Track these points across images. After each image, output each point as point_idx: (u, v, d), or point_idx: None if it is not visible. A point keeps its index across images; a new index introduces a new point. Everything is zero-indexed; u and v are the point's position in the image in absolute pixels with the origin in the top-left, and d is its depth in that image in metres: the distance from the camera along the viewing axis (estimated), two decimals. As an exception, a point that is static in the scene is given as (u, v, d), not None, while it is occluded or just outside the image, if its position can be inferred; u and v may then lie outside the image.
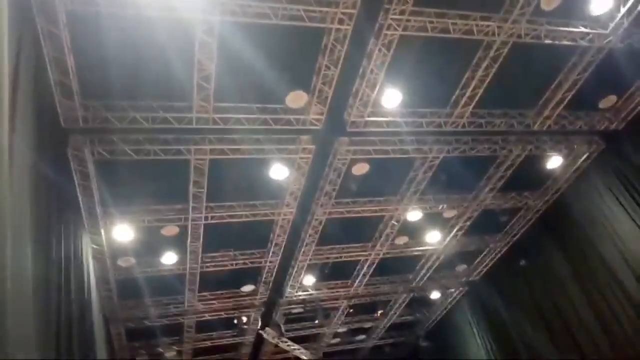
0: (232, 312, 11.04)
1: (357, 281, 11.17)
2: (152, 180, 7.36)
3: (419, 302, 12.83)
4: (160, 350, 11.76)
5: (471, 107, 7.31)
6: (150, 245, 8.53)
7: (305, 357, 12.44)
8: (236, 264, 9.64)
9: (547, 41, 6.59)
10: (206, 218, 8.14)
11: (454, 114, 7.39)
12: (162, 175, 7.29)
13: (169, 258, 8.97)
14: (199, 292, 10.04)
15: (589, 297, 9.43)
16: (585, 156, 9.00)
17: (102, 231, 7.65)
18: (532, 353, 10.83)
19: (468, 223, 10.10)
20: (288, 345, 11.68)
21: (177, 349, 11.92)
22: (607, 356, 9.01)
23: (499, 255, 11.53)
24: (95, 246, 7.83)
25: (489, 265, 11.94)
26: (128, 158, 6.54)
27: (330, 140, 7.35)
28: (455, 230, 10.23)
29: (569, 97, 7.63)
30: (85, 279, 6.86)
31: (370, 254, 10.38)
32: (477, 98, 7.20)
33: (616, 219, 8.79)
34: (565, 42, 6.65)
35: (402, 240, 10.41)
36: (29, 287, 3.66)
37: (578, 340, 9.70)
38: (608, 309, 9.02)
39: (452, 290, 12.80)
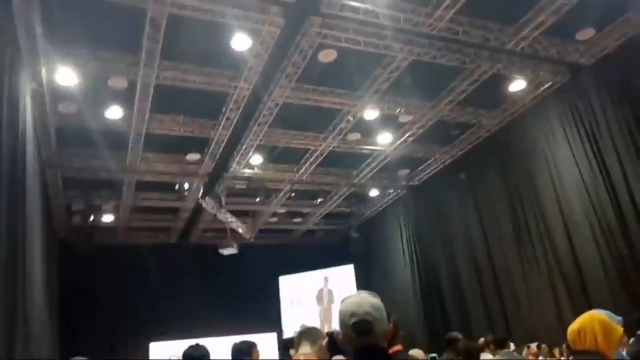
0: (175, 177, 11.03)
1: (303, 168, 11.35)
2: (105, 23, 6.71)
3: (357, 197, 13.33)
4: (97, 202, 11.76)
5: (453, 11, 6.99)
6: (94, 95, 8.06)
7: (240, 230, 12.91)
8: (184, 131, 9.42)
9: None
10: (158, 77, 7.71)
11: (433, 15, 7.05)
12: (115, 20, 6.66)
13: (115, 112, 8.59)
14: (142, 152, 9.84)
15: (515, 224, 10.02)
16: (547, 85, 9.09)
17: (43, 70, 7.10)
18: (451, 265, 11.72)
19: (421, 130, 10.25)
20: (226, 218, 12.00)
21: (114, 203, 11.97)
22: (518, 284, 9.84)
23: (442, 166, 11.95)
24: (34, 85, 7.31)
25: (430, 175, 12.41)
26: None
27: (301, 17, 6.90)
28: (407, 135, 10.37)
29: (549, 22, 7.44)
30: (20, 119, 6.46)
31: (320, 145, 10.44)
32: (460, 3, 6.87)
33: (559, 155, 9.09)
34: (563, -39, 6.32)
35: (354, 136, 10.49)
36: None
37: (494, 263, 10.48)
38: (529, 238, 9.68)
39: (391, 191, 13.35)
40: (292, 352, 3.05)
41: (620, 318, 2.63)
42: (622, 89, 8.01)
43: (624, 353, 3.36)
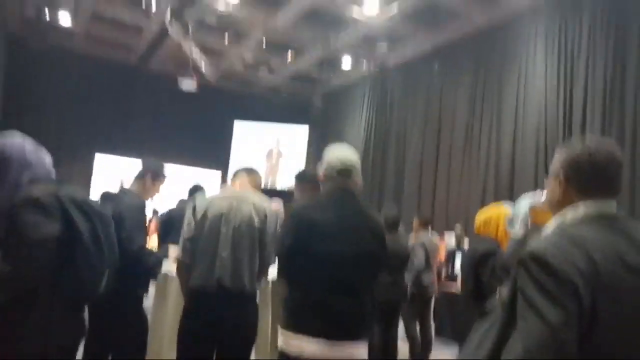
0: (143, -8, 10.24)
1: (282, 15, 10.76)
2: None
3: (330, 64, 13.05)
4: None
5: None
6: None
7: (204, 69, 12.52)
8: (161, -58, 8.54)
9: None
10: None
11: None
12: None
13: None
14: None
15: (470, 127, 10.32)
16: (547, -6, 8.75)
17: None
18: (401, 150, 12.12)
19: (410, 6, 9.80)
20: (191, 49, 11.52)
21: (74, 4, 11.10)
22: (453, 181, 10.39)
23: (421, 51, 11.68)
24: None
25: (407, 59, 12.16)
26: None
27: None
28: (395, 7, 9.87)
29: None
30: None
31: (305, -5, 9.83)
32: None
33: (533, 70, 9.04)
34: None
35: (342, -5, 9.89)
36: None
37: (439, 158, 10.94)
38: (478, 144, 10.04)
39: (364, 67, 13.10)
40: (229, 182, 3.21)
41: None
42: (614, 15, 7.84)
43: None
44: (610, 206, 1.32)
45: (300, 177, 3.27)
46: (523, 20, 9.42)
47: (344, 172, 2.37)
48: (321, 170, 2.47)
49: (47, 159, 2.13)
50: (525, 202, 2.51)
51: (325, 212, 2.28)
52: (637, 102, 7.37)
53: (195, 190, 5.10)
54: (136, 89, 13.77)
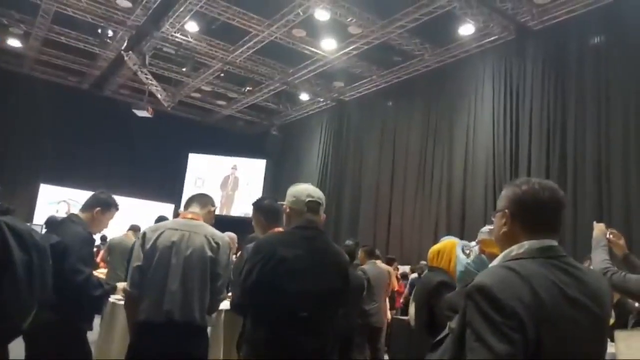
0: (100, 20, 10.12)
1: (240, 50, 10.91)
2: None
3: (287, 96, 13.21)
4: (5, 22, 10.57)
5: None
6: None
7: (160, 96, 12.39)
8: (120, -29, 8.54)
9: None
10: None
11: None
12: None
13: None
14: (68, -19, 8.84)
15: (423, 162, 10.61)
16: (493, 37, 9.29)
17: None
18: (356, 182, 12.29)
19: (365, 47, 10.16)
20: (147, 78, 11.40)
21: (25, 29, 10.82)
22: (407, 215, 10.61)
23: (375, 88, 12.09)
24: None
25: (362, 94, 12.54)
26: None
27: None
28: (351, 47, 10.25)
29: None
30: None
31: (263, 31, 10.01)
32: None
33: (482, 108, 9.52)
34: None
35: (299, 33, 10.16)
36: None
37: (393, 190, 11.13)
38: (431, 179, 10.34)
39: (321, 99, 13.37)
40: (181, 211, 3.13)
41: (476, 246, 2.95)
42: (555, 62, 8.41)
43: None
44: (552, 243, 1.38)
45: (258, 205, 3.23)
46: (472, 61, 9.94)
47: (312, 206, 2.39)
48: (287, 204, 2.45)
49: None
50: (479, 234, 2.61)
51: (294, 248, 2.26)
52: (577, 140, 7.84)
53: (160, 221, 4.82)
54: (87, 115, 13.13)
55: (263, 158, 14.93)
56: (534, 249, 1.38)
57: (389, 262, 7.58)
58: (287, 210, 2.43)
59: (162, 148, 13.92)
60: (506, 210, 1.46)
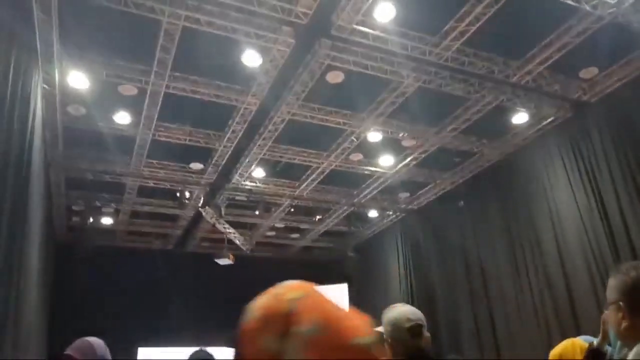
0: (177, 185, 11.14)
1: (304, 185, 11.45)
2: (119, 32, 6.90)
3: (357, 216, 13.37)
4: (98, 204, 11.85)
5: (460, 42, 7.16)
6: (104, 100, 8.21)
7: (238, 242, 12.95)
8: (189, 140, 9.55)
9: (554, -5, 6.40)
10: (167, 87, 7.87)
11: (441, 44, 7.22)
12: (130, 30, 6.84)
13: (122, 117, 8.74)
14: (146, 158, 9.97)
15: (511, 253, 10.04)
16: (550, 120, 9.20)
17: (56, 72, 7.26)
18: (446, 289, 11.72)
19: (423, 155, 10.35)
20: (224, 228, 12.07)
21: (115, 207, 12.06)
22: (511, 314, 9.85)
23: (442, 192, 12.03)
24: (46, 86, 7.45)
25: (430, 199, 12.48)
26: (97, 1, 6.07)
27: (312, 39, 7.06)
28: (409, 159, 10.48)
29: (555, 58, 7.60)
30: (30, 120, 6.60)
31: (322, 163, 10.55)
32: (468, 35, 7.03)
33: (558, 187, 9.16)
34: (570, 2, 6.47)
35: (356, 157, 10.60)
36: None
37: (489, 289, 10.51)
38: (524, 268, 9.70)
39: (390, 213, 13.41)
40: None
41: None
42: (623, 128, 8.11)
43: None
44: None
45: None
46: (535, 146, 9.78)
47: (417, 329, 2.20)
48: (386, 335, 2.23)
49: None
50: None
51: None
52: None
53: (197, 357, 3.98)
54: (175, 272, 13.84)
55: (344, 282, 14.74)
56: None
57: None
58: (389, 340, 2.20)
59: (247, 291, 13.72)
60: (620, 303, 1.36)
